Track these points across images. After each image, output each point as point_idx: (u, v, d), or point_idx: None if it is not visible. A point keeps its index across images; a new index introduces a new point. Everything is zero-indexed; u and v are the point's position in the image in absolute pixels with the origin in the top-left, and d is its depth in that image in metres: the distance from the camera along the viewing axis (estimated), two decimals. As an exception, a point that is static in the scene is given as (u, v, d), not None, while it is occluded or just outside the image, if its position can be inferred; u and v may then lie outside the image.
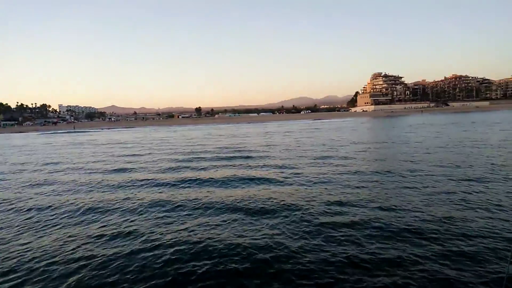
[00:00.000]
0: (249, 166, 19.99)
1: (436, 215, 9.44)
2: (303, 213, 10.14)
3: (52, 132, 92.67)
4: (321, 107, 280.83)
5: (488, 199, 10.81)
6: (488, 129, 40.15)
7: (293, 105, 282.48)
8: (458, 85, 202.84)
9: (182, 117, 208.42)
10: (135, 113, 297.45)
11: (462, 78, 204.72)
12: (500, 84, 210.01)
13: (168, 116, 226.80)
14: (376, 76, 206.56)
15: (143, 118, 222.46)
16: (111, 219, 10.47)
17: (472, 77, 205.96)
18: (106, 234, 9.13)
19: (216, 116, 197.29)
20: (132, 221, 10.25)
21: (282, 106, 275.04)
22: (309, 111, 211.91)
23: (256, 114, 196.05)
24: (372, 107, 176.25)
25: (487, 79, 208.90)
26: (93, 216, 10.96)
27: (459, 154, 20.60)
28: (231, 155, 25.56)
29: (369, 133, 45.05)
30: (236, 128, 75.24)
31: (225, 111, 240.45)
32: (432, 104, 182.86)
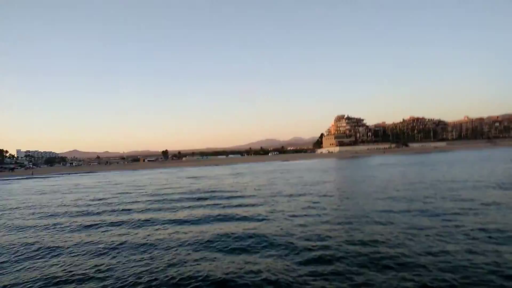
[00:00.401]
0: (228, 205, 19.70)
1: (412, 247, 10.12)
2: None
3: (7, 178, 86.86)
4: (288, 148, 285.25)
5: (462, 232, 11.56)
6: (453, 167, 41.99)
7: (261, 147, 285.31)
8: (416, 127, 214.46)
9: (148, 160, 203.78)
10: (98, 157, 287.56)
11: (420, 120, 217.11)
12: (454, 125, 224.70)
13: (133, 160, 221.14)
14: (340, 118, 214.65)
15: (106, 162, 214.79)
16: (76, 260, 10.50)
17: (428, 119, 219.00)
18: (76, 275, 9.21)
19: (184, 159, 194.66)
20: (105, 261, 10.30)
21: (250, 148, 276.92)
22: (277, 153, 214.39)
23: (224, 156, 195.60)
24: (337, 148, 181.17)
25: (443, 121, 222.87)
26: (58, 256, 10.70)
27: (430, 190, 21.17)
28: (206, 195, 24.96)
29: (342, 172, 45.69)
30: (205, 170, 74.06)
31: (192, 153, 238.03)
32: (393, 145, 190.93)
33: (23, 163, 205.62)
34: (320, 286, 7.96)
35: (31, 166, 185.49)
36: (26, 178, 79.53)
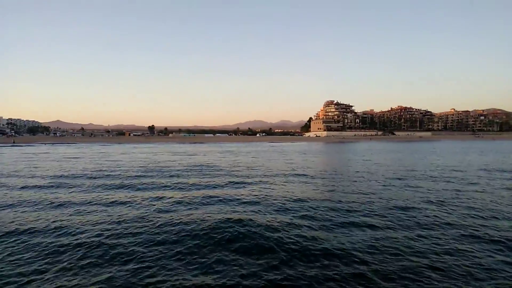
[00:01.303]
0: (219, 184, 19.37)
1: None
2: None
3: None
4: (275, 130, 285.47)
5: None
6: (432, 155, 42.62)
7: (249, 128, 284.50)
8: (403, 116, 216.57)
9: (134, 134, 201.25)
10: (82, 129, 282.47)
11: (407, 110, 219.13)
12: (440, 116, 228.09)
13: (119, 134, 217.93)
14: (329, 103, 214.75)
15: (91, 134, 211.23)
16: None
17: (416, 109, 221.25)
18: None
19: (170, 135, 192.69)
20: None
21: (238, 128, 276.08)
22: (265, 134, 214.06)
23: (211, 135, 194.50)
24: (325, 133, 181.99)
25: (429, 112, 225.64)
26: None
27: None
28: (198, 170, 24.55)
29: (331, 156, 45.89)
30: (194, 147, 73.44)
31: (179, 130, 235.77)
32: (379, 133, 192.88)
33: (4, 130, 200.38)
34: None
35: (13, 134, 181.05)
36: (6, 146, 77.43)
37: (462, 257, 8.27)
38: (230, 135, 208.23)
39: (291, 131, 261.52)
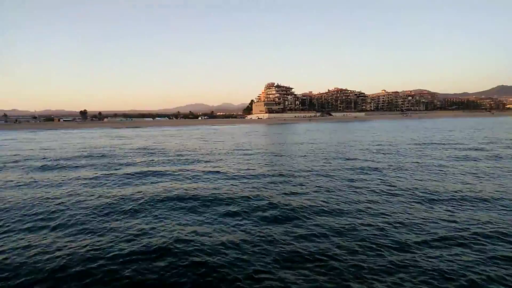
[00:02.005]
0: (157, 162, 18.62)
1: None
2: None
3: None
4: (217, 113, 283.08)
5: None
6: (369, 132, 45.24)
7: (190, 111, 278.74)
8: (340, 98, 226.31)
9: (64, 120, 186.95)
10: (5, 115, 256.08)
11: (343, 91, 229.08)
12: (373, 98, 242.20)
13: (47, 119, 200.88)
14: (270, 86, 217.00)
15: (16, 120, 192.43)
16: None
17: (351, 91, 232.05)
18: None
19: (106, 120, 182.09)
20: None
21: (179, 112, 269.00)
22: (207, 117, 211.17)
23: (151, 119, 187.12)
24: (266, 115, 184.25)
25: (363, 93, 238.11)
26: None
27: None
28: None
29: (275, 137, 46.52)
30: (133, 131, 69.93)
31: (115, 115, 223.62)
32: (318, 114, 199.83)
33: None
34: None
35: None
36: None
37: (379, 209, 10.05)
38: (171, 118, 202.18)
39: (234, 114, 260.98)
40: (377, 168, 17.86)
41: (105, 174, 17.42)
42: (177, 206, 11.09)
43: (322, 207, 10.62)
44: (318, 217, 9.72)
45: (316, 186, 13.86)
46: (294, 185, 14.03)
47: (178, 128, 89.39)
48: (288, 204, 10.90)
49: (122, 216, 10.09)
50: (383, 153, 24.77)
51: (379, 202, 11.19)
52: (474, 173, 16.17)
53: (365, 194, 12.29)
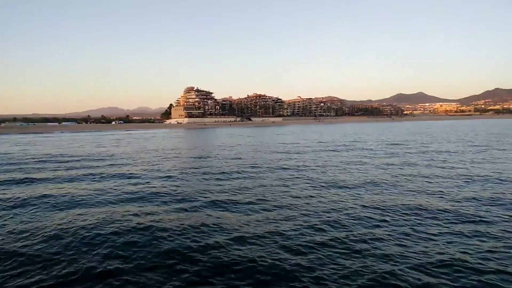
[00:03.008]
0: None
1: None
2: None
3: None
4: (133, 118, 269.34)
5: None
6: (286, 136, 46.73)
7: (102, 115, 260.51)
8: (259, 103, 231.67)
9: None
10: None
11: (262, 97, 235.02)
12: (289, 103, 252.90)
13: None
14: (189, 90, 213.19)
15: None
16: None
17: (269, 97, 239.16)
18: None
19: (3, 125, 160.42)
20: None
21: (89, 116, 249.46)
22: (122, 122, 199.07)
23: (56, 124, 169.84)
24: (186, 120, 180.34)
25: (280, 99, 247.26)
26: None
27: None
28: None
29: (194, 140, 45.28)
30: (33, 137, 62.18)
31: (14, 119, 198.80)
32: (238, 118, 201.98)
33: None
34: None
35: None
36: None
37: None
38: (80, 123, 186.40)
39: (151, 118, 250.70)
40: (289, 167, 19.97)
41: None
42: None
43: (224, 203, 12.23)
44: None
45: (234, 185, 15.43)
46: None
47: (87, 133, 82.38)
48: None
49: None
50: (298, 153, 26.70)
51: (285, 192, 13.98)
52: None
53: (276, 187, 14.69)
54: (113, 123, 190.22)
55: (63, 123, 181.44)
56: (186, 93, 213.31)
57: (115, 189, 14.95)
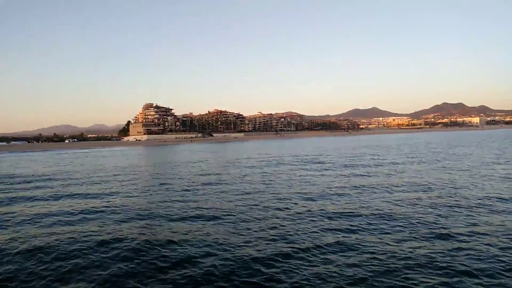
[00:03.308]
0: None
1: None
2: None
3: None
4: (88, 136, 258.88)
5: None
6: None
7: (55, 133, 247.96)
8: (220, 119, 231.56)
9: None
10: None
11: (223, 113, 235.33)
12: (250, 119, 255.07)
13: None
14: (148, 106, 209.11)
15: None
16: None
17: (230, 112, 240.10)
18: None
19: None
20: None
21: (40, 134, 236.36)
22: (75, 140, 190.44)
23: (5, 143, 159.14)
24: (145, 137, 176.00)
25: (241, 115, 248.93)
26: None
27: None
28: None
29: (150, 158, 44.27)
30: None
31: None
32: (199, 135, 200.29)
33: None
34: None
35: None
36: None
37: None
38: (30, 142, 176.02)
39: (108, 136, 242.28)
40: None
41: None
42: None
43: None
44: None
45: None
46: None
47: (40, 153, 78.06)
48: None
49: None
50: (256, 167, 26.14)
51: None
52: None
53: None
54: (67, 141, 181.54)
55: (13, 142, 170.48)
56: (145, 109, 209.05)
57: (70, 207, 14.42)
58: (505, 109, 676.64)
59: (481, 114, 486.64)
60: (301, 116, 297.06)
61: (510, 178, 19.05)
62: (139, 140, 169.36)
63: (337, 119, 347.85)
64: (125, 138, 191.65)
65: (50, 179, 25.46)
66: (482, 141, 65.21)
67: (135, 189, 19.63)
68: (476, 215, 11.49)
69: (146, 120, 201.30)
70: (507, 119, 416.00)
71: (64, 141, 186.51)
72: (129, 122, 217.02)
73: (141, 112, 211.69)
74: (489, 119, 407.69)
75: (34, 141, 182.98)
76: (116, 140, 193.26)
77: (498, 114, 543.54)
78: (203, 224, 11.42)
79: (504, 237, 9.16)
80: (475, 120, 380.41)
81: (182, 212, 13.19)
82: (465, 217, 11.27)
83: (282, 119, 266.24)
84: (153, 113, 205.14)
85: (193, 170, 28.62)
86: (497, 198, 14.07)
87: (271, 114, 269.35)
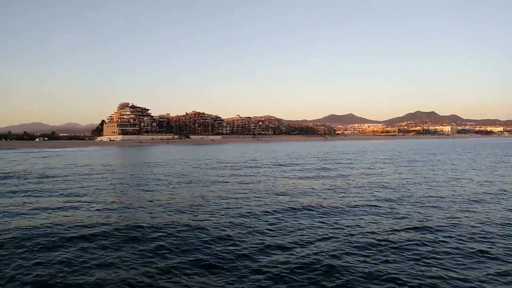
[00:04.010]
0: None
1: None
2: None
3: None
4: (60, 134, 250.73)
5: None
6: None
7: (24, 131, 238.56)
8: (197, 121, 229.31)
9: None
10: None
11: (201, 115, 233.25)
12: (229, 122, 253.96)
13: None
14: (124, 106, 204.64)
15: None
16: None
17: (208, 115, 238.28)
18: None
19: None
20: None
21: (10, 132, 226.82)
22: (47, 139, 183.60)
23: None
24: (120, 137, 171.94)
25: (219, 117, 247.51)
26: None
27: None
28: None
29: (124, 159, 43.11)
30: None
31: None
32: (176, 136, 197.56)
33: None
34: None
35: None
36: None
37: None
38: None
39: (81, 135, 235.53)
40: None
41: None
42: None
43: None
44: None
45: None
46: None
47: (8, 151, 74.64)
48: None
49: None
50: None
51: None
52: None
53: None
54: (37, 140, 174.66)
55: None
56: (120, 109, 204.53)
57: (41, 204, 13.74)
58: (475, 118, 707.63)
59: (453, 123, 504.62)
60: (279, 120, 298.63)
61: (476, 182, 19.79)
62: (113, 140, 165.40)
63: (314, 124, 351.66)
64: (99, 138, 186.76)
65: (17, 177, 24.24)
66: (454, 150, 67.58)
67: (106, 189, 18.91)
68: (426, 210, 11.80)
69: (121, 120, 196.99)
70: (477, 128, 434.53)
71: (34, 139, 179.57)
72: (103, 121, 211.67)
73: (116, 111, 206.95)
74: (460, 128, 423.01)
75: (3, 139, 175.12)
76: (89, 139, 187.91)
77: (468, 123, 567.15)
78: (175, 226, 11.03)
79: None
80: (447, 128, 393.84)
81: (153, 215, 12.75)
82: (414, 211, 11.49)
83: (260, 123, 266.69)
84: (128, 113, 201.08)
85: (167, 171, 28.01)
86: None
87: (250, 117, 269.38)
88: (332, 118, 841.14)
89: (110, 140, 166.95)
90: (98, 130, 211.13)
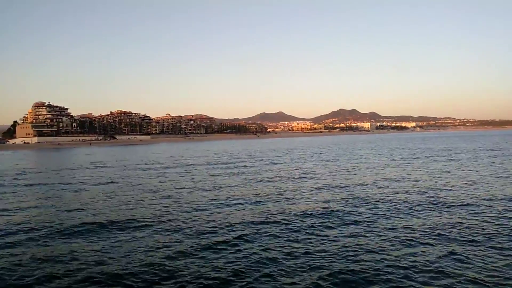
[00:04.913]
0: None
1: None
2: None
3: None
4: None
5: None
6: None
7: None
8: (124, 120, 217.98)
9: None
10: None
11: (127, 114, 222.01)
12: (158, 121, 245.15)
13: None
14: (39, 105, 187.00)
15: None
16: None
17: (135, 114, 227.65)
18: None
19: None
20: None
21: None
22: None
23: None
24: (35, 139, 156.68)
25: (148, 116, 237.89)
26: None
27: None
28: None
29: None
30: None
31: None
32: (100, 137, 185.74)
33: None
34: None
35: None
36: None
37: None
38: None
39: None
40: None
41: None
42: None
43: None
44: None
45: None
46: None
47: None
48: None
49: None
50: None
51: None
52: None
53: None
54: None
55: None
56: (35, 108, 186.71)
57: None
58: (392, 115, 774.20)
59: (372, 120, 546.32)
60: (211, 119, 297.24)
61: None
62: (28, 143, 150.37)
63: (246, 123, 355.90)
64: (11, 141, 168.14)
65: None
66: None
67: (20, 197, 16.96)
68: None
69: (37, 120, 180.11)
70: (393, 124, 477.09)
71: None
72: (15, 122, 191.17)
73: (30, 111, 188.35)
74: (378, 124, 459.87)
75: None
76: (0, 143, 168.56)
77: (386, 120, 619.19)
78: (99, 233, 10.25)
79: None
80: (367, 125, 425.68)
81: (73, 221, 11.85)
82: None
83: (192, 122, 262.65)
84: (45, 112, 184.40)
85: (91, 175, 26.20)
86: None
87: (180, 116, 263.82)
88: (263, 116, 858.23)
89: (25, 143, 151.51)
90: (10, 132, 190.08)
